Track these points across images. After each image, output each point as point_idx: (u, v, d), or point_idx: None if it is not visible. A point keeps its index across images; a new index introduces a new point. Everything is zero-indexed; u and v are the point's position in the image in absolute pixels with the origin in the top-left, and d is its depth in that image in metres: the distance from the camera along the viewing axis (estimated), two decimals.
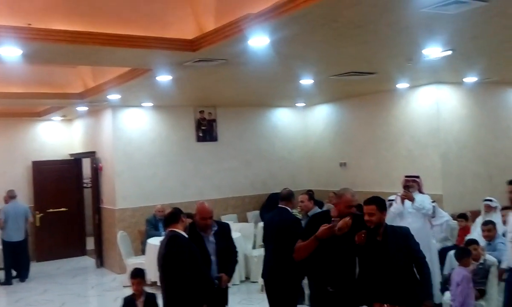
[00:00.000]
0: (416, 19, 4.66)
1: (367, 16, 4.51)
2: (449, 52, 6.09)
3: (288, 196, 5.55)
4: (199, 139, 10.73)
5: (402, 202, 6.60)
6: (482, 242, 6.19)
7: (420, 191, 6.75)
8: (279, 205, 5.54)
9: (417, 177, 6.84)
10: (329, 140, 11.54)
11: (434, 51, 6.06)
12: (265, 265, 5.61)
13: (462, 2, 4.15)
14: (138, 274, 5.30)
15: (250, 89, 8.84)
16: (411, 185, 6.72)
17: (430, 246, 6.37)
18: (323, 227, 3.82)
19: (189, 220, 4.86)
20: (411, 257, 4.02)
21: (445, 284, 6.25)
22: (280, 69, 6.95)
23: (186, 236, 4.49)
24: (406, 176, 6.92)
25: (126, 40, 5.00)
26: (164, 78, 6.98)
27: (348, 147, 10.99)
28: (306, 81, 8.09)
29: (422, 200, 6.58)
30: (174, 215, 4.59)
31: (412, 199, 6.49)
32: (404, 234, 4.09)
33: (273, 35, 4.89)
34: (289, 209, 5.52)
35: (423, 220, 6.53)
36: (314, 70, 7.24)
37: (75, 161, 11.90)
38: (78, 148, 11.76)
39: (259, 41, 5.05)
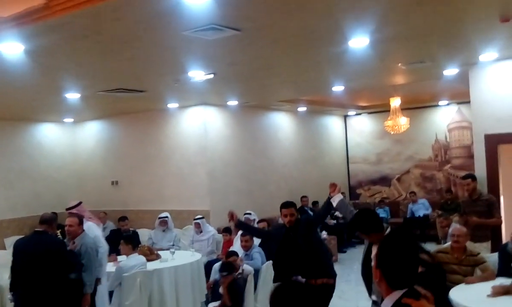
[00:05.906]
0: (179, 41, 4.84)
1: (131, 32, 4.49)
2: (211, 76, 6.51)
3: (50, 220, 5.05)
4: None
5: None
6: (241, 253, 6.68)
7: (88, 219, 5.62)
8: (37, 229, 5.01)
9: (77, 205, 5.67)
10: (101, 157, 11.15)
11: (198, 73, 6.39)
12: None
13: (218, 29, 4.47)
14: None
15: (8, 101, 7.95)
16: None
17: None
18: None
19: None
20: None
21: (212, 294, 6.53)
22: (41, 81, 6.43)
23: None
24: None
25: None
26: None
27: (120, 165, 10.79)
28: (72, 95, 7.66)
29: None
30: None
31: None
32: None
33: (28, 43, 4.51)
34: (49, 233, 5.03)
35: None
36: (80, 84, 6.90)
37: None
38: None
39: (11, 47, 4.59)
